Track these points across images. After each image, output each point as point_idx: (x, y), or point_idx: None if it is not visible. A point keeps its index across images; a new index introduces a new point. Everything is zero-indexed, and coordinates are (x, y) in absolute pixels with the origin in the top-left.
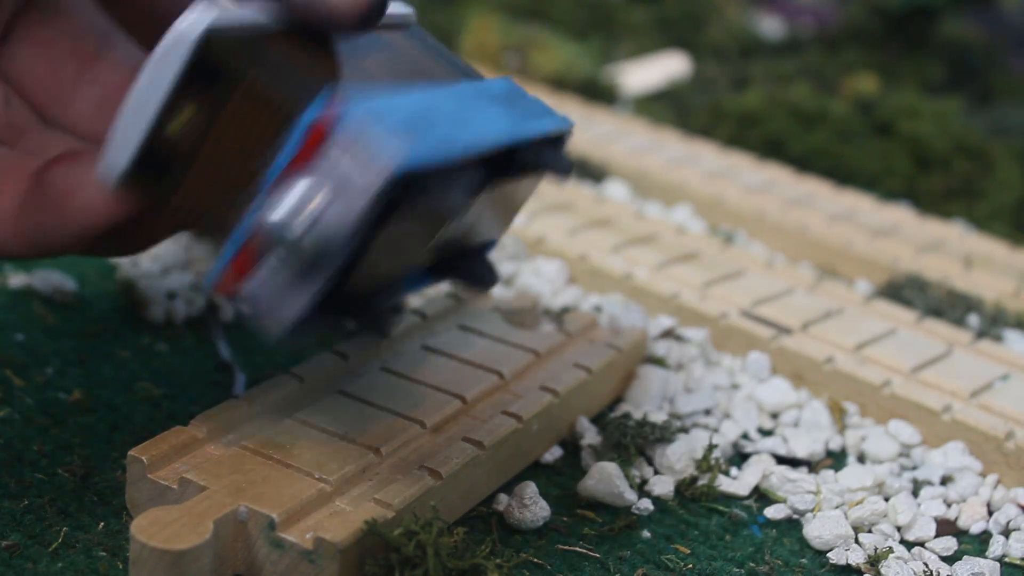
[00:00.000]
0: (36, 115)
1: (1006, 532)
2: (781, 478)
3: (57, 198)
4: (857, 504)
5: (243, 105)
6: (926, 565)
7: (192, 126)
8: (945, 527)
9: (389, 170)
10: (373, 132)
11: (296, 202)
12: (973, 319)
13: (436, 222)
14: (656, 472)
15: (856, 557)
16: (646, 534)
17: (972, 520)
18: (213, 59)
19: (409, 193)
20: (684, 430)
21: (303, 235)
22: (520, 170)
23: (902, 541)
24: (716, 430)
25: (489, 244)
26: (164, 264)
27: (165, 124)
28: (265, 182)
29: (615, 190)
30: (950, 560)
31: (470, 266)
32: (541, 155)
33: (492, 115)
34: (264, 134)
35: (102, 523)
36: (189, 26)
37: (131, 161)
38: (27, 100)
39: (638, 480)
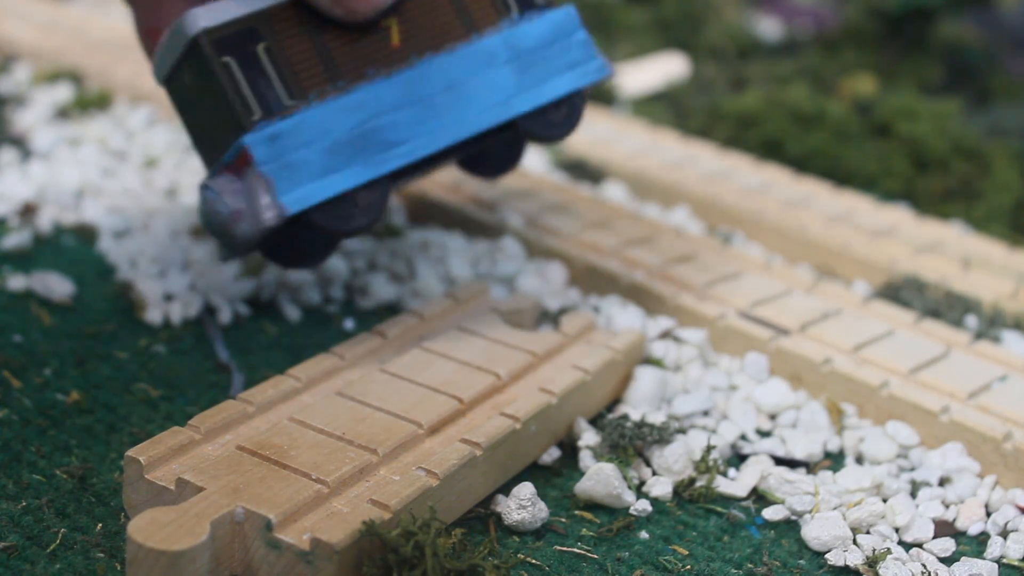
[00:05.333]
0: None
1: (1004, 533)
2: (779, 479)
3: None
4: (855, 505)
5: (217, 97)
6: (924, 566)
7: (194, 86)
8: (943, 528)
9: (282, 211)
10: (289, 166)
11: (218, 200)
12: (971, 320)
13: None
14: (654, 473)
15: (854, 558)
16: (644, 535)
17: (970, 521)
18: (199, 55)
19: (307, 215)
20: (682, 431)
21: (216, 225)
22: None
23: (900, 542)
24: (714, 431)
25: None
26: (162, 266)
27: (180, 71)
28: (222, 160)
29: (613, 191)
30: (948, 561)
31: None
32: (532, 123)
33: (482, 91)
34: (227, 124)
35: (100, 524)
36: (189, 24)
37: (165, 77)
38: None
39: (636, 481)
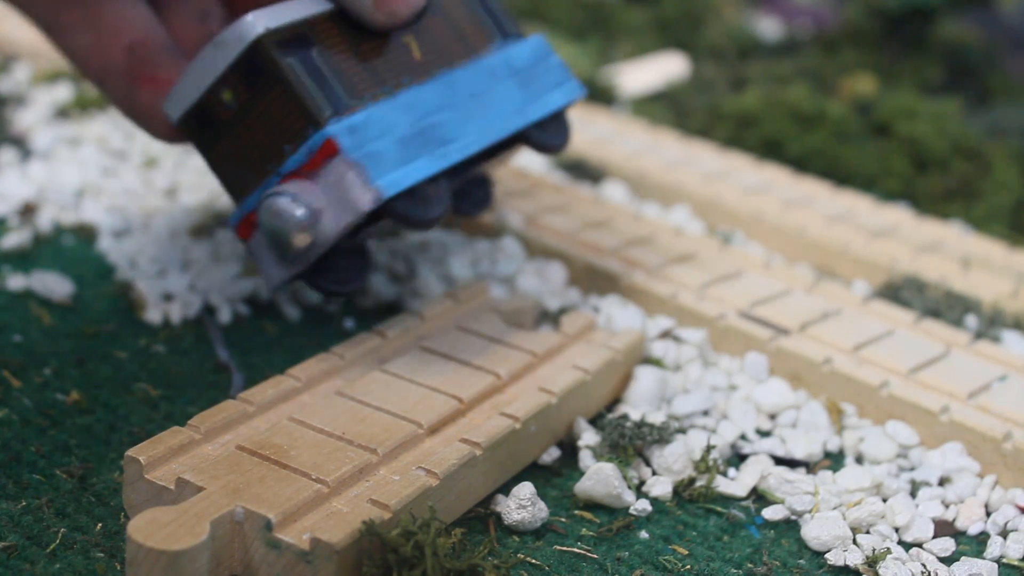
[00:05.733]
0: None
1: (1004, 533)
2: (779, 479)
3: (140, 110)
4: (855, 505)
5: (274, 104)
6: (924, 566)
7: (236, 103)
8: (943, 528)
9: (379, 193)
10: (372, 155)
11: (295, 201)
12: (971, 320)
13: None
14: (654, 473)
15: (854, 558)
16: (644, 535)
17: (970, 521)
18: (260, 59)
19: (390, 205)
20: (682, 431)
21: (293, 229)
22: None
23: (900, 542)
24: (714, 431)
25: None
26: (162, 266)
27: (217, 93)
28: (278, 172)
29: (613, 191)
30: (948, 561)
31: (469, 192)
32: (540, 135)
33: (499, 101)
34: (287, 131)
35: (100, 524)
36: (247, 27)
37: (185, 113)
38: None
39: (636, 481)
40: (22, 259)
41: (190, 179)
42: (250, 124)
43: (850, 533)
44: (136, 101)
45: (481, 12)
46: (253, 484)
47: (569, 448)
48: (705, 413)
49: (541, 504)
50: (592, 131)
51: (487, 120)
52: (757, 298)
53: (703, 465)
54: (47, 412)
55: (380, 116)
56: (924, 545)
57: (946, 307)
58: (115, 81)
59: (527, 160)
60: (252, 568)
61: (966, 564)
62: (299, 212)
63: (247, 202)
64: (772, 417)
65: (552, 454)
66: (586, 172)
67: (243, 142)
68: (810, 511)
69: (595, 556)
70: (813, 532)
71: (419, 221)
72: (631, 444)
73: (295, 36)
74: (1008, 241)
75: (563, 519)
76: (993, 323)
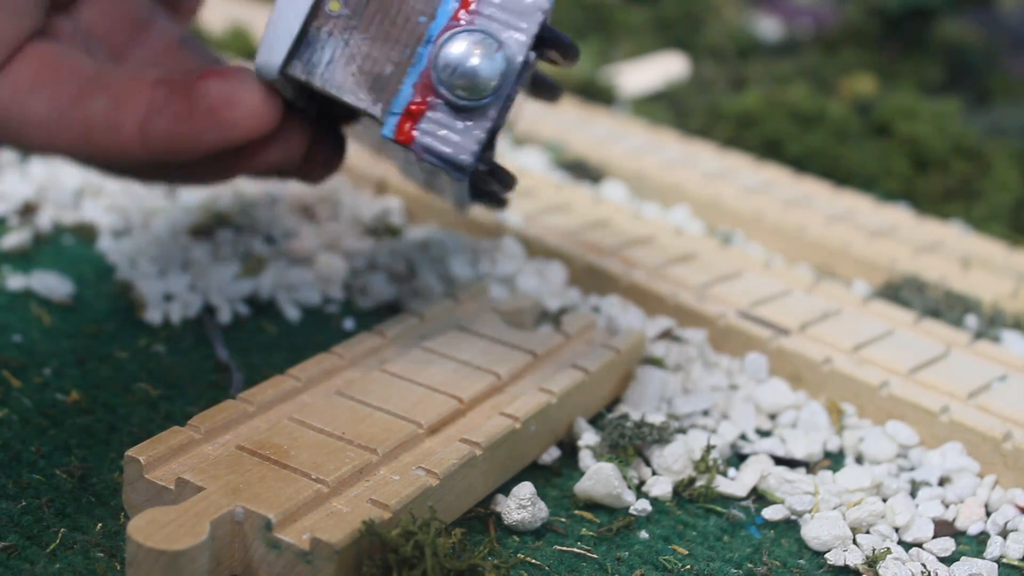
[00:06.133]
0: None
1: (1004, 533)
2: (779, 479)
3: (210, 107)
4: (855, 505)
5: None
6: (924, 566)
7: (346, 5)
8: (943, 528)
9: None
10: None
11: (472, 40)
12: (971, 320)
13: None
14: (654, 473)
15: (854, 558)
16: (644, 535)
17: (970, 521)
18: None
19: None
20: (682, 431)
21: (480, 68)
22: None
23: (900, 542)
24: (714, 431)
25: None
26: (162, 266)
27: (320, 7)
28: (426, 43)
29: (613, 191)
30: (948, 561)
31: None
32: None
33: None
34: (416, 4)
35: (100, 524)
36: None
37: (289, 51)
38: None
39: (636, 481)
40: (22, 259)
41: None
42: (372, 16)
43: (850, 533)
44: (204, 101)
45: None
46: (253, 484)
47: (569, 448)
48: (705, 413)
49: (541, 504)
50: (592, 131)
51: None
52: (757, 298)
53: (703, 465)
54: (47, 412)
55: None
56: (924, 545)
57: (946, 307)
58: (159, 110)
59: (527, 160)
60: (252, 568)
61: (966, 564)
62: (489, 40)
63: (398, 97)
64: (772, 417)
65: (552, 454)
66: (586, 172)
67: (370, 41)
68: (810, 511)
69: (595, 556)
70: (813, 532)
71: (571, 45)
72: (631, 444)
73: None
74: (1008, 241)
75: (563, 519)
76: (993, 323)
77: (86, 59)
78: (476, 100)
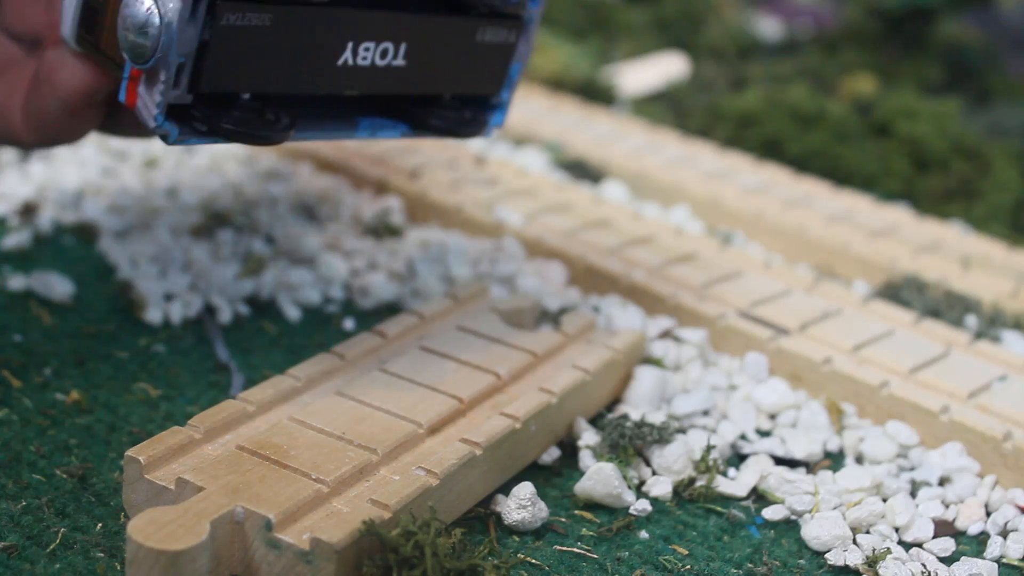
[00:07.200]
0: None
1: (1004, 533)
2: (779, 479)
3: (47, 73)
4: (855, 505)
5: None
6: (924, 566)
7: None
8: (943, 528)
9: None
10: None
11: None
12: (971, 320)
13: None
14: (654, 473)
15: (854, 558)
16: (644, 535)
17: (970, 521)
18: None
19: None
20: (682, 431)
21: (151, 35)
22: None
23: (900, 542)
24: (714, 431)
25: (481, 100)
26: (162, 266)
27: None
28: None
29: (613, 191)
30: (948, 561)
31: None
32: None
33: None
34: None
35: (100, 524)
36: None
37: (76, 18)
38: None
39: (636, 481)
40: (22, 259)
41: (190, 179)
42: None
43: (850, 533)
44: (42, 70)
45: None
46: (253, 484)
47: (569, 448)
48: (705, 413)
49: (541, 504)
50: (592, 131)
51: None
52: (757, 298)
53: (703, 465)
54: (47, 412)
55: None
56: (924, 545)
57: (946, 307)
58: (30, 91)
59: (527, 160)
60: (252, 568)
61: (966, 564)
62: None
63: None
64: (772, 417)
65: (552, 454)
66: (586, 172)
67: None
68: (810, 511)
69: (595, 556)
70: (813, 532)
71: None
72: (631, 444)
73: None
74: (1008, 241)
75: (563, 519)
76: (993, 323)
77: (10, 46)
78: (143, 64)
